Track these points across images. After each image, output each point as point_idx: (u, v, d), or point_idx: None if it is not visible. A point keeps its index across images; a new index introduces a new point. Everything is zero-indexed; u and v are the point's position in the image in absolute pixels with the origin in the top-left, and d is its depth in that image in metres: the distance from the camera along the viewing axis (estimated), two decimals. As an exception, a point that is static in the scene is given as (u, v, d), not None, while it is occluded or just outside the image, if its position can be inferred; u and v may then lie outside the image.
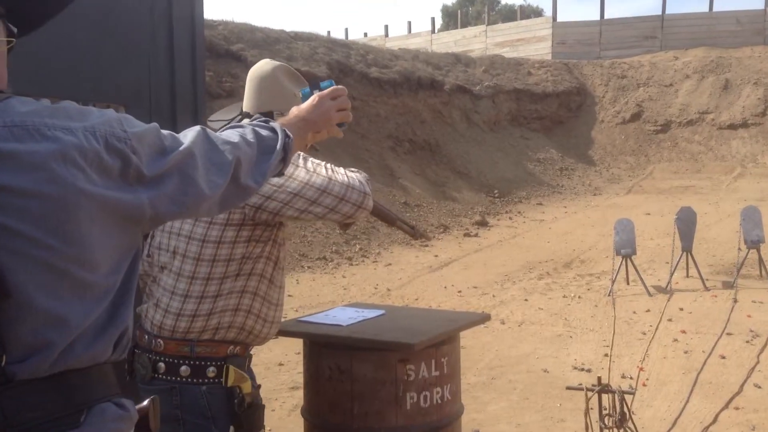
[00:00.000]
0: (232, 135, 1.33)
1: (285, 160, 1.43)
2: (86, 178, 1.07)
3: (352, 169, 2.02)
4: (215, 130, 1.96)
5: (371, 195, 1.97)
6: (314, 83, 1.66)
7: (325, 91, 1.60)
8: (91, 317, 1.09)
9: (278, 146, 1.39)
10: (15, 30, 1.18)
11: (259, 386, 2.01)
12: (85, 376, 1.10)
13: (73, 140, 1.07)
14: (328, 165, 1.94)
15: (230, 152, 1.28)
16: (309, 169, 1.89)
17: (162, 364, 1.89)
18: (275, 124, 1.44)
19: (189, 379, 1.87)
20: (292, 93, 1.98)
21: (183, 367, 1.87)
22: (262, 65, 2.08)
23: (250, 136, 1.35)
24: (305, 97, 1.62)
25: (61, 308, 1.05)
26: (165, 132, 1.24)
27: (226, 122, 2.05)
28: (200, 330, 1.89)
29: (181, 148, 1.20)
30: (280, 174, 1.48)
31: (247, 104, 2.06)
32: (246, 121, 2.03)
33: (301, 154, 1.92)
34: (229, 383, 1.88)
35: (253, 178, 1.33)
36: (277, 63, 2.08)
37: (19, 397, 1.04)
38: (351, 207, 1.91)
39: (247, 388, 1.90)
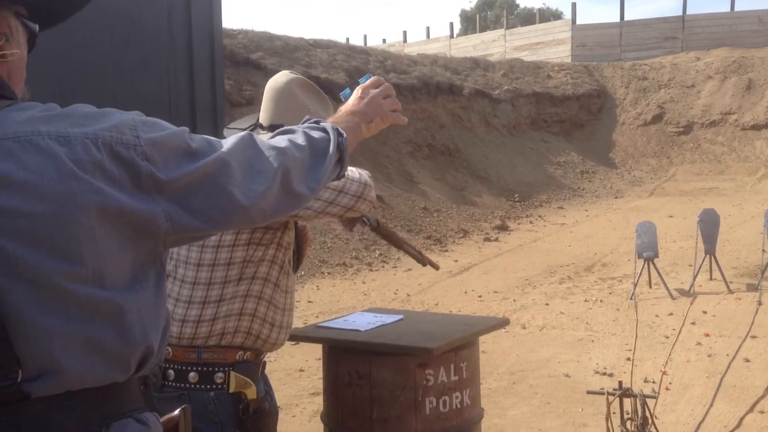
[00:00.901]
0: (280, 140, 1.26)
1: (342, 161, 1.35)
2: (84, 190, 1.01)
3: (356, 168, 2.01)
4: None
5: (373, 187, 1.97)
6: (353, 83, 1.65)
7: (366, 82, 1.60)
8: (107, 336, 1.04)
9: (331, 148, 1.30)
10: (36, 28, 1.14)
11: (267, 392, 2.00)
12: (104, 394, 1.07)
13: (67, 151, 1.01)
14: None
15: (275, 158, 1.19)
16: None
17: (171, 372, 1.90)
18: (326, 124, 1.36)
19: (197, 386, 1.88)
20: (305, 106, 2.00)
21: (191, 374, 1.89)
22: (278, 77, 2.09)
23: (300, 140, 1.27)
24: (347, 98, 1.60)
25: (68, 327, 1.01)
26: (198, 136, 1.15)
27: (239, 131, 2.07)
28: (206, 336, 1.90)
29: (214, 155, 1.12)
30: (340, 177, 1.40)
31: (262, 115, 2.08)
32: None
33: None
34: (231, 389, 1.88)
35: (307, 184, 1.24)
36: (293, 75, 2.09)
37: (36, 415, 1.01)
38: (350, 198, 1.92)
39: (251, 394, 1.89)
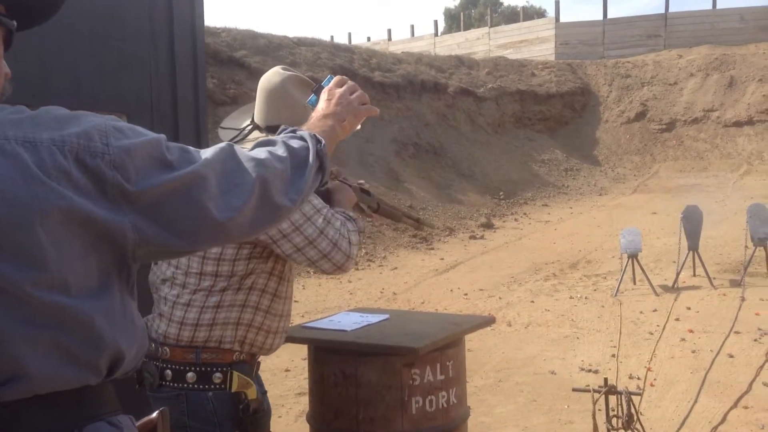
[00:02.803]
0: (260, 152, 1.22)
1: (323, 169, 1.32)
2: (48, 196, 1.00)
3: (350, 214, 2.01)
4: (233, 139, 1.96)
5: (354, 259, 1.97)
6: (316, 87, 1.65)
7: (330, 84, 1.60)
8: (74, 341, 1.03)
9: (311, 157, 1.28)
10: (14, 25, 1.12)
11: (264, 393, 2.02)
12: (76, 397, 1.06)
13: (33, 156, 1.00)
14: (326, 212, 1.92)
15: (254, 170, 1.16)
16: (306, 214, 1.88)
17: (169, 372, 1.91)
18: (304, 132, 1.34)
19: (195, 386, 1.89)
20: (302, 104, 1.95)
21: (189, 374, 1.89)
22: (271, 76, 2.05)
23: (280, 151, 1.24)
24: (314, 104, 1.60)
25: (35, 333, 1.00)
26: (175, 146, 1.12)
27: (238, 131, 2.05)
28: (204, 339, 1.91)
29: (190, 168, 1.09)
30: (323, 185, 1.39)
31: (257, 115, 2.05)
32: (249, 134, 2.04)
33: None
34: (234, 389, 1.89)
35: (288, 196, 1.22)
36: (286, 74, 2.04)
37: (5, 419, 1.01)
38: (331, 266, 1.94)
39: (252, 393, 1.91)
